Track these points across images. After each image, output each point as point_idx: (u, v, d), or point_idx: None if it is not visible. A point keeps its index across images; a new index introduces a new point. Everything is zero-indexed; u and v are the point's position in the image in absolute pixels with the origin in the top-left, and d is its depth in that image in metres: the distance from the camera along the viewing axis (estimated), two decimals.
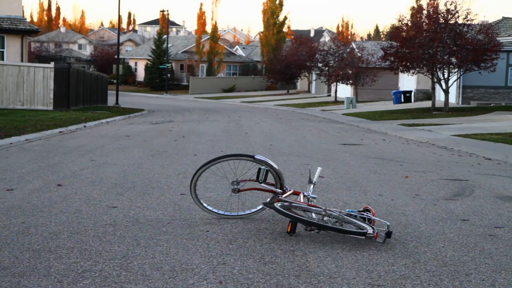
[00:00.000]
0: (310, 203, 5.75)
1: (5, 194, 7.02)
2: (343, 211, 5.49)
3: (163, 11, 78.17)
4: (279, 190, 5.94)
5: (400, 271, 4.39)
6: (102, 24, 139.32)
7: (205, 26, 77.05)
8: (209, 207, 6.06)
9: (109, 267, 4.33)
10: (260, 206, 6.09)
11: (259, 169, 5.86)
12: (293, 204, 5.60)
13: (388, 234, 5.12)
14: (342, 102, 43.43)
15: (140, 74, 79.02)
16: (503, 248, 5.08)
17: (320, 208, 5.44)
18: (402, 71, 34.29)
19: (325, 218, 5.26)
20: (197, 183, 6.02)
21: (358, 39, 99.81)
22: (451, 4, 31.26)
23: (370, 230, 5.04)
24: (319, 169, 6.21)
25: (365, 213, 5.47)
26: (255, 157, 5.92)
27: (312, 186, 5.98)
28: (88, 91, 33.25)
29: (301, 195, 5.86)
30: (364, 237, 5.07)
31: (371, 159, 11.71)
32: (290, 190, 5.97)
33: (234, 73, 78.38)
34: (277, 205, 5.46)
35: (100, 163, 10.03)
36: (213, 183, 7.89)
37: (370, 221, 5.40)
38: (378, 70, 45.57)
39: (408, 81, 43.74)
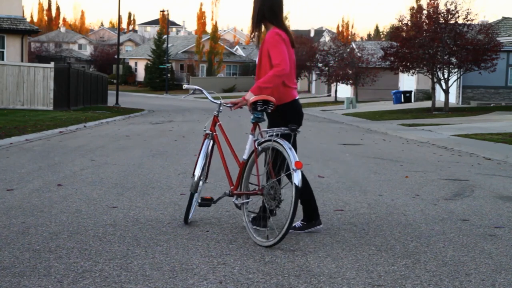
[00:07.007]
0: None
1: (5, 194, 7.02)
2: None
3: (163, 11, 78.22)
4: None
5: (400, 271, 4.39)
6: (102, 24, 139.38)
7: (205, 26, 77.16)
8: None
9: (109, 267, 4.33)
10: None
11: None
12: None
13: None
14: (342, 102, 43.45)
15: (140, 74, 79.05)
16: (503, 248, 5.09)
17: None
18: (402, 71, 34.31)
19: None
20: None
21: (358, 39, 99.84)
22: (451, 4, 31.27)
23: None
24: (206, 92, 5.87)
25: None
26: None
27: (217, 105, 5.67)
28: (88, 91, 33.25)
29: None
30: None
31: (371, 159, 11.70)
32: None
33: (234, 73, 78.41)
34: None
35: (100, 163, 10.03)
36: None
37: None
38: (378, 70, 45.60)
39: (408, 81, 43.76)
